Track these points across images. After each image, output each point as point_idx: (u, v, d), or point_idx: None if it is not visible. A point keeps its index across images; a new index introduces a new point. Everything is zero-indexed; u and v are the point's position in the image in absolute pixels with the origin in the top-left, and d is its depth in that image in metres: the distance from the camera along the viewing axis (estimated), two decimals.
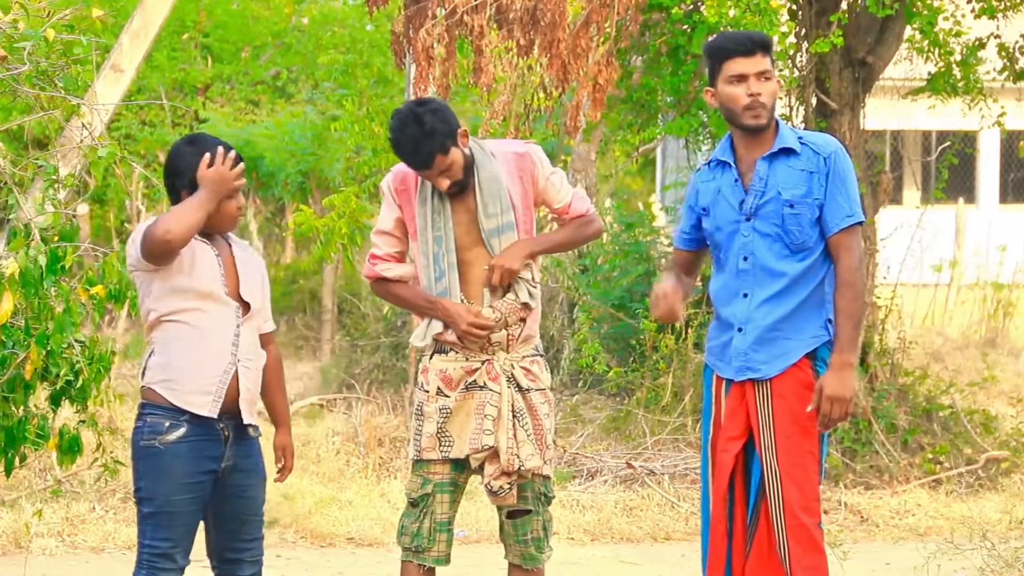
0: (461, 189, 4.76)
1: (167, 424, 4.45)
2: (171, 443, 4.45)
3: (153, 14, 9.38)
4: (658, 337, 9.95)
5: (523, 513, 4.85)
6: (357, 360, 12.18)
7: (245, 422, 4.54)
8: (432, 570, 4.85)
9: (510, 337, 4.78)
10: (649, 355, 10.01)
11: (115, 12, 7.66)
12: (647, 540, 7.81)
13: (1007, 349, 14.06)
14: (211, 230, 4.55)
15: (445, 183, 4.71)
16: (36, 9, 5.48)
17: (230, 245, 4.63)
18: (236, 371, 4.51)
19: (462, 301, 4.77)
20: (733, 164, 4.71)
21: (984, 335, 14.48)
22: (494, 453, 4.73)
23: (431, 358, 4.83)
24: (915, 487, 8.62)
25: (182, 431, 4.45)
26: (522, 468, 4.74)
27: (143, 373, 4.53)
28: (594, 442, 9.49)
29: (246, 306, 4.55)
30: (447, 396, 4.78)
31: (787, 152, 4.64)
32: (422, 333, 4.82)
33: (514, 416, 4.76)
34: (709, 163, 4.80)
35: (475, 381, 4.77)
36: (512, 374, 4.78)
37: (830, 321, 4.67)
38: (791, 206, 4.61)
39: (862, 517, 8.24)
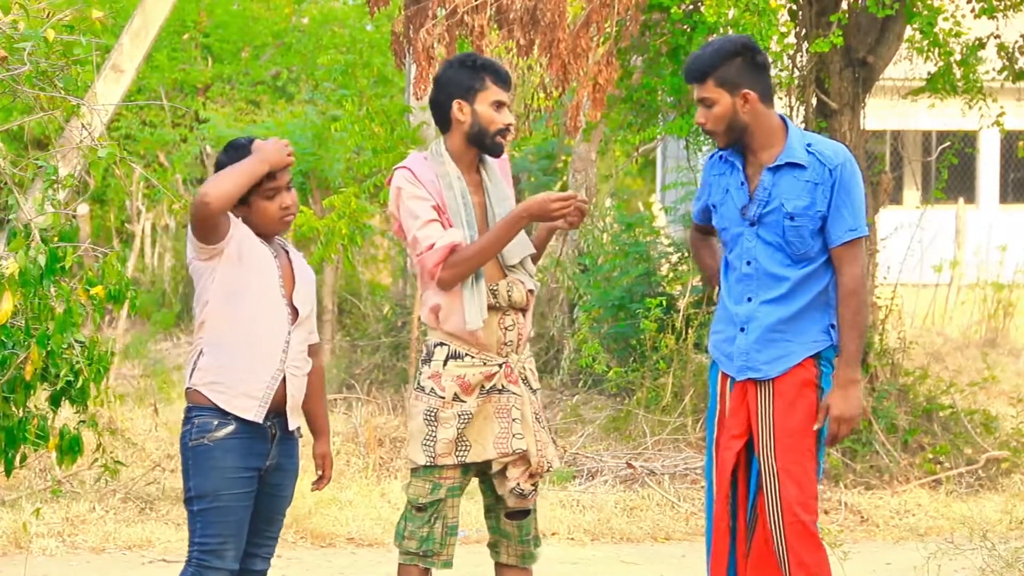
0: (497, 152, 4.80)
1: (215, 423, 4.45)
2: (220, 439, 4.45)
3: (153, 14, 9.38)
4: (658, 337, 9.95)
5: (523, 514, 4.86)
6: (357, 360, 12.18)
7: (290, 428, 4.56)
8: (430, 572, 4.84)
9: (520, 336, 4.78)
10: (649, 355, 10.00)
11: (115, 12, 7.65)
12: (647, 540, 7.81)
13: (1007, 349, 14.05)
14: (259, 232, 4.53)
15: (510, 118, 4.76)
16: (36, 10, 5.47)
17: (287, 252, 4.63)
18: (284, 377, 4.51)
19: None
20: (741, 167, 4.70)
21: (984, 335, 14.48)
22: (518, 456, 4.73)
23: (444, 364, 4.75)
24: (915, 487, 8.61)
25: (231, 428, 4.45)
26: (550, 469, 4.76)
27: (191, 374, 4.51)
28: (594, 442, 9.48)
29: (295, 313, 4.54)
30: (464, 401, 4.73)
31: (793, 164, 4.63)
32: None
33: (534, 418, 4.77)
34: (720, 155, 4.78)
35: (494, 385, 4.74)
36: (525, 376, 4.79)
37: (832, 326, 4.66)
38: (791, 218, 4.60)
39: (862, 517, 8.23)
